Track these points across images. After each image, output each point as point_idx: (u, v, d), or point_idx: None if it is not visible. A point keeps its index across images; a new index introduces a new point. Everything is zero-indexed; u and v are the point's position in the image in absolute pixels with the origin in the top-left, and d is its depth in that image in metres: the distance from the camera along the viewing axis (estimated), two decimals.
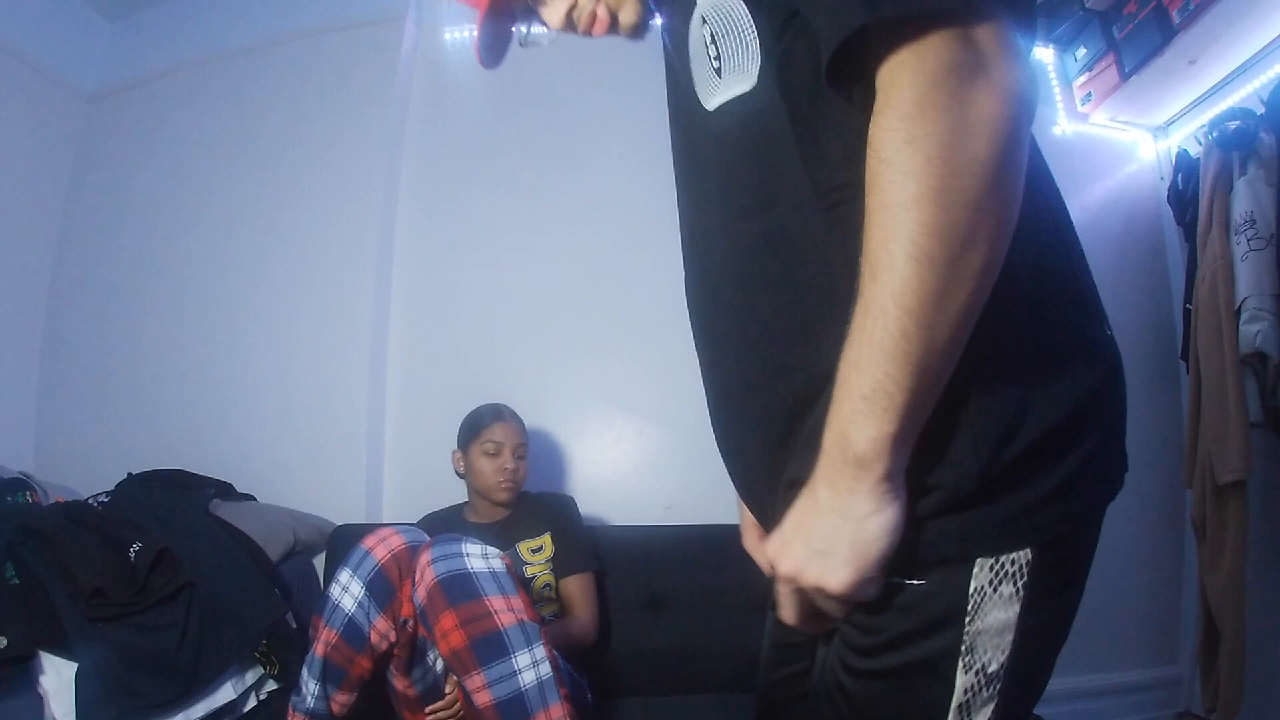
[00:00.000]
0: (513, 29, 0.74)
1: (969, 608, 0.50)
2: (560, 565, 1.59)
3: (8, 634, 1.16)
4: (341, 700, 1.22)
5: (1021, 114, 0.43)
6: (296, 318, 2.05)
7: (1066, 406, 0.50)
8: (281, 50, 2.21)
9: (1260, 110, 1.73)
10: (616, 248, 2.08)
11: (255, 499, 1.88)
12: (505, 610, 1.16)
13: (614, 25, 0.69)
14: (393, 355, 2.06)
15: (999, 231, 0.45)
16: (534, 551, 1.60)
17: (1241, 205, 1.69)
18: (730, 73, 0.53)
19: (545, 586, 1.58)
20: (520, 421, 1.68)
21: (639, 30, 0.70)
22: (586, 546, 1.63)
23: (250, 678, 1.42)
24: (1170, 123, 2.15)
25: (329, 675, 1.21)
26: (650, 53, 2.44)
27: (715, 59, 0.53)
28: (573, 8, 0.68)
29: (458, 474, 1.67)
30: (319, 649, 1.21)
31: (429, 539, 1.25)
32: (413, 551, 1.24)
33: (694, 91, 0.57)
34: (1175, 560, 2.10)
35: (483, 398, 1.72)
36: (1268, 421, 1.67)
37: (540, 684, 1.13)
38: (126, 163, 2.24)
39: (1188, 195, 1.97)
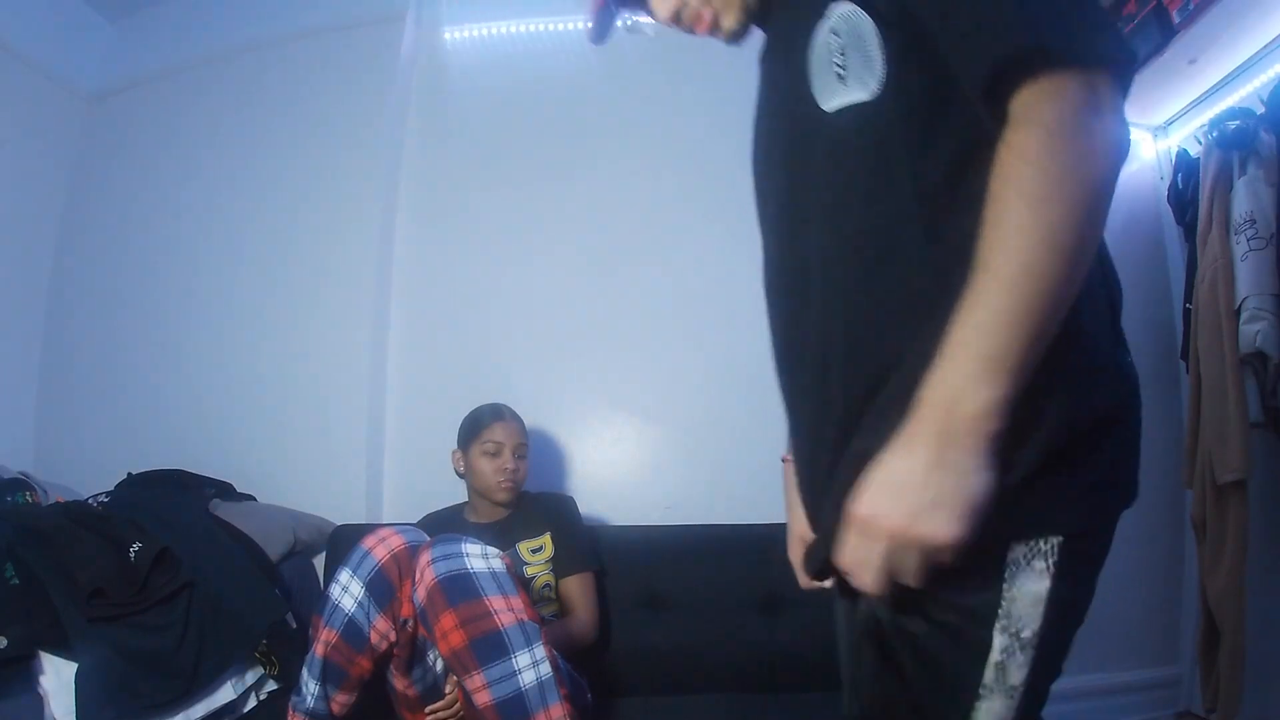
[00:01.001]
0: (622, 13, 0.80)
1: (1006, 574, 0.56)
2: (560, 565, 1.59)
3: (8, 634, 1.16)
4: (341, 700, 1.22)
5: (1121, 157, 0.52)
6: (297, 317, 2.05)
7: (1099, 415, 0.57)
8: (281, 50, 2.20)
9: (1260, 110, 1.73)
10: (617, 247, 2.08)
11: (255, 499, 1.88)
12: (505, 610, 1.16)
13: (715, 27, 0.76)
14: (393, 355, 2.06)
15: (1095, 244, 0.54)
16: (534, 552, 1.60)
17: (1241, 205, 1.69)
18: (853, 81, 0.59)
19: (545, 586, 1.58)
20: (520, 421, 1.68)
21: (737, 37, 0.78)
22: (586, 546, 1.63)
23: (250, 678, 1.42)
24: (1170, 122, 2.15)
25: (329, 675, 1.21)
26: (649, 53, 2.42)
27: (841, 68, 0.60)
28: (681, 5, 0.74)
29: (458, 474, 1.67)
30: (319, 649, 1.21)
31: (429, 539, 1.25)
32: (413, 551, 1.24)
33: (810, 91, 0.62)
34: (1175, 560, 2.10)
35: (483, 398, 1.72)
36: (1268, 421, 1.67)
37: (540, 684, 1.13)
38: (126, 163, 2.24)
39: (1188, 195, 1.97)
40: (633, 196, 2.09)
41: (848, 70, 0.60)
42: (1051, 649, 0.57)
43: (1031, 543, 0.55)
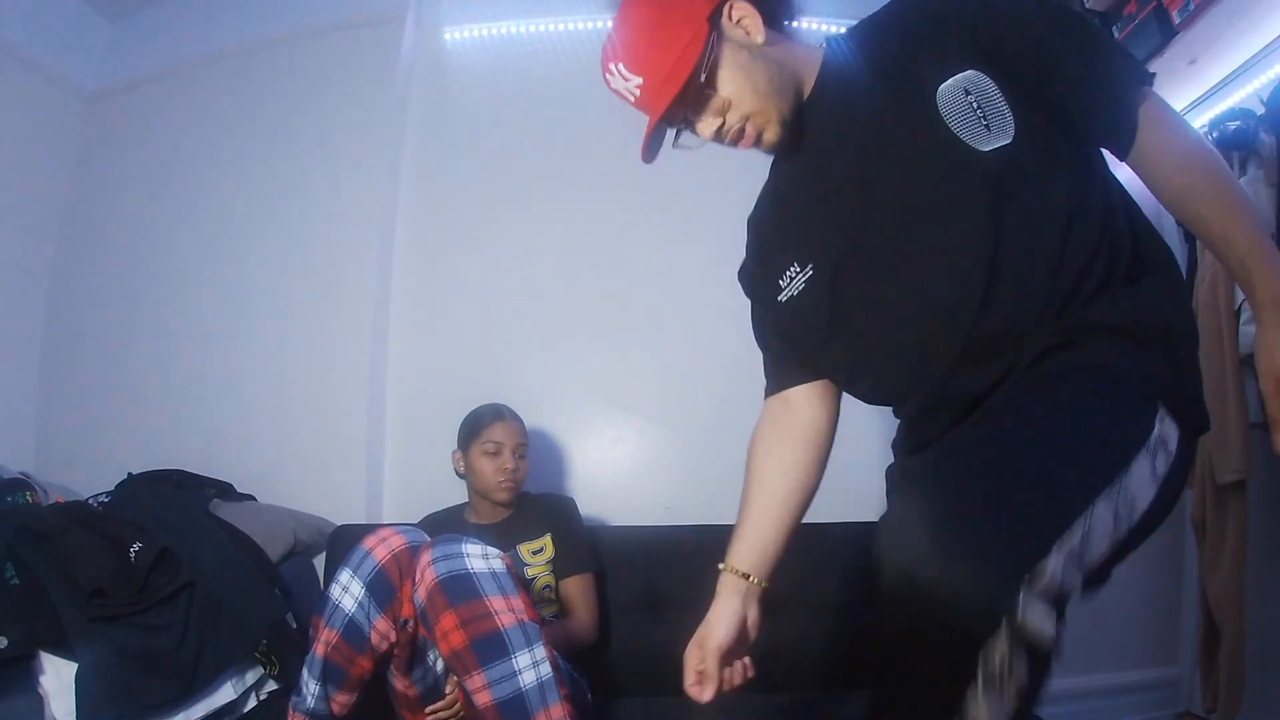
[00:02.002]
0: (669, 132, 0.89)
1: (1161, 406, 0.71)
2: (560, 566, 1.59)
3: (8, 634, 1.16)
4: (342, 700, 1.22)
5: None
6: (297, 318, 2.04)
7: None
8: (281, 50, 2.20)
9: (1260, 110, 1.73)
10: (617, 248, 2.08)
11: (255, 499, 1.88)
12: (505, 610, 1.16)
13: (757, 142, 0.86)
14: (393, 355, 2.06)
15: None
16: (534, 553, 1.60)
17: None
18: (997, 130, 0.77)
19: (545, 587, 1.58)
20: (520, 421, 1.68)
21: (775, 149, 0.88)
22: (586, 547, 1.63)
23: (250, 678, 1.42)
24: None
25: (329, 675, 1.21)
26: None
27: (984, 119, 0.77)
28: (721, 125, 0.85)
29: (457, 474, 1.67)
30: (319, 649, 1.21)
31: (429, 539, 1.25)
32: (413, 552, 1.24)
33: (954, 137, 0.78)
34: (1175, 560, 2.10)
35: (483, 398, 1.72)
36: (1268, 422, 1.67)
37: (540, 684, 1.13)
38: (126, 162, 2.24)
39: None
40: (633, 196, 2.08)
41: (991, 122, 0.77)
42: (1171, 489, 0.71)
43: (1173, 415, 0.71)
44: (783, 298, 0.91)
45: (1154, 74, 0.79)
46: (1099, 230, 0.77)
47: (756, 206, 1.00)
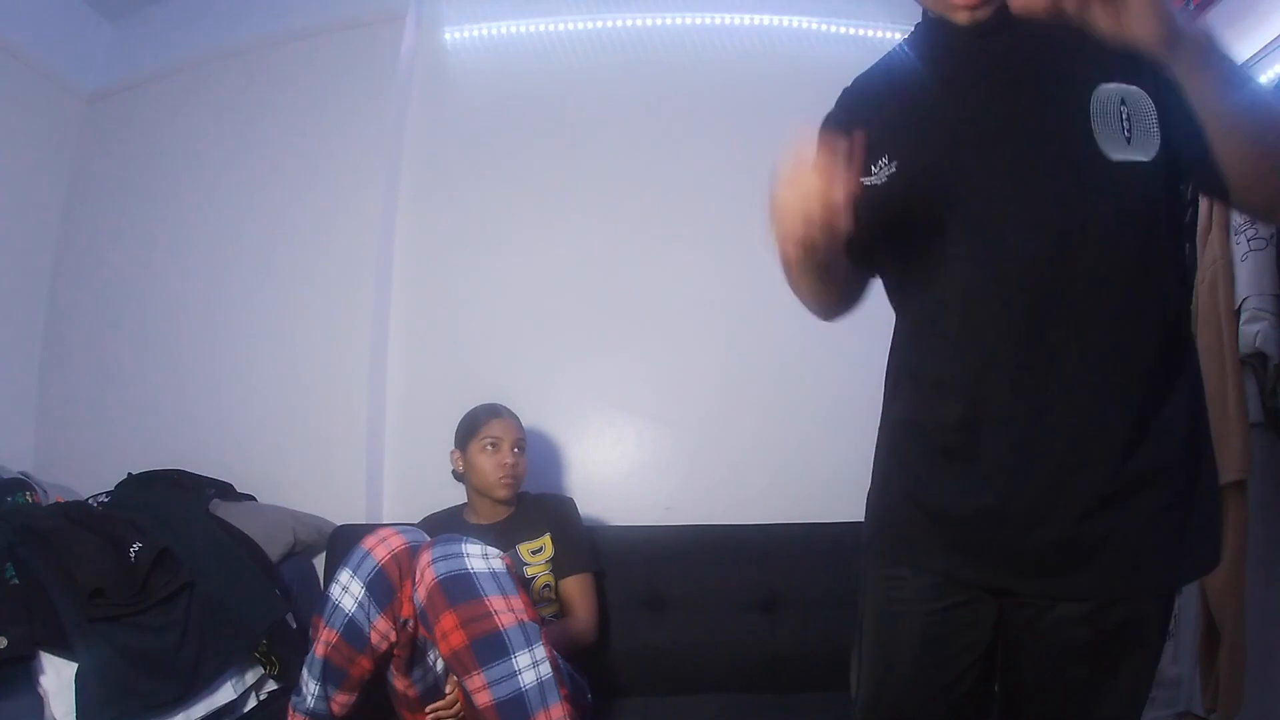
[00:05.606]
0: None
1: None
2: (560, 566, 1.59)
3: (8, 634, 1.16)
4: (342, 700, 1.23)
5: None
6: (297, 318, 2.04)
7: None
8: (281, 50, 2.20)
9: None
10: (617, 248, 2.08)
11: (255, 499, 1.88)
12: (505, 610, 1.16)
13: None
14: (393, 355, 2.06)
15: None
16: (534, 553, 1.60)
17: None
18: (1137, 144, 0.77)
19: (545, 587, 1.58)
20: (517, 419, 1.68)
21: (982, 19, 0.79)
22: (586, 547, 1.63)
23: (250, 678, 1.42)
24: None
25: (329, 675, 1.21)
26: (649, 54, 2.40)
27: (1127, 131, 0.77)
28: None
29: (456, 475, 1.67)
30: (319, 649, 1.21)
31: (429, 539, 1.25)
32: (413, 551, 1.24)
33: (1093, 137, 0.78)
34: None
35: (482, 398, 1.72)
36: (1268, 421, 1.67)
37: (540, 684, 1.13)
38: (126, 163, 2.24)
39: (1188, 195, 1.97)
40: (632, 197, 2.08)
41: (1133, 134, 0.77)
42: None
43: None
44: (867, 181, 0.87)
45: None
46: (1186, 265, 0.78)
47: (864, 85, 0.95)
